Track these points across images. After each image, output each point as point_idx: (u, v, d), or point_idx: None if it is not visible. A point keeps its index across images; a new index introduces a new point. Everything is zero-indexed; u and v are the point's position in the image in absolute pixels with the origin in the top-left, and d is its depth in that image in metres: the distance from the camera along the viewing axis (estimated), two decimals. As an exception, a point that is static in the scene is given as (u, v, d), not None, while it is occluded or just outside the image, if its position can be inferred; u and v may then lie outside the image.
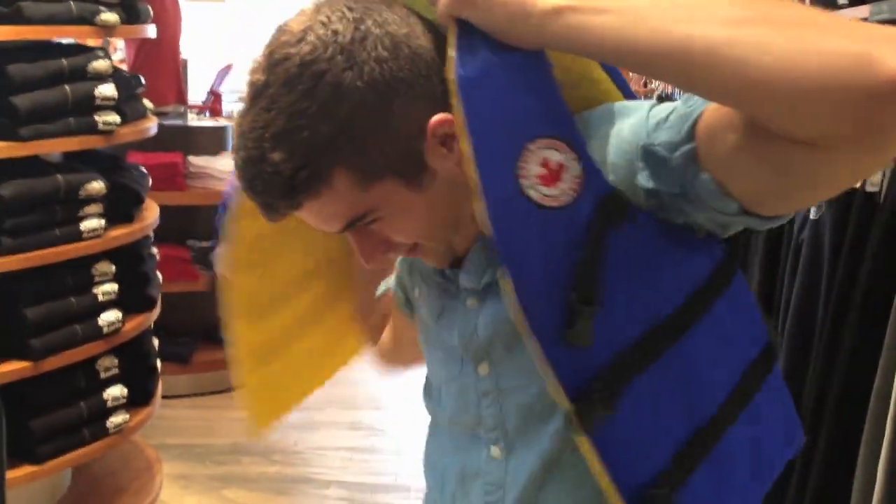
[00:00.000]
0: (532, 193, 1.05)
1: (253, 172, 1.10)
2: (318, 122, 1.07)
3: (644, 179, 1.08)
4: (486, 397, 1.27)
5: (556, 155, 1.06)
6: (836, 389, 2.38)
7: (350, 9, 1.11)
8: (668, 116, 1.06)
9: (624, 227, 1.07)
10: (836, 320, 2.41)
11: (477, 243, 1.22)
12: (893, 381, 2.16)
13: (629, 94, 1.25)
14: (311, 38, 1.08)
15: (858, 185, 2.39)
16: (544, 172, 1.05)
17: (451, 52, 1.07)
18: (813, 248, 2.58)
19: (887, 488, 2.16)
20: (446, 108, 1.10)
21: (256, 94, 1.10)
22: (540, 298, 1.06)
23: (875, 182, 2.36)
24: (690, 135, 1.03)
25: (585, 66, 1.22)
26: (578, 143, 1.07)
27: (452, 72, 1.07)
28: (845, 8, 2.63)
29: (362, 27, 1.09)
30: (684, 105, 1.05)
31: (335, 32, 1.08)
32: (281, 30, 1.12)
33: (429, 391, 1.43)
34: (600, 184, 1.07)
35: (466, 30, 1.06)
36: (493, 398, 1.26)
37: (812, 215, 2.57)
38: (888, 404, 2.17)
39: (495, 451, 1.28)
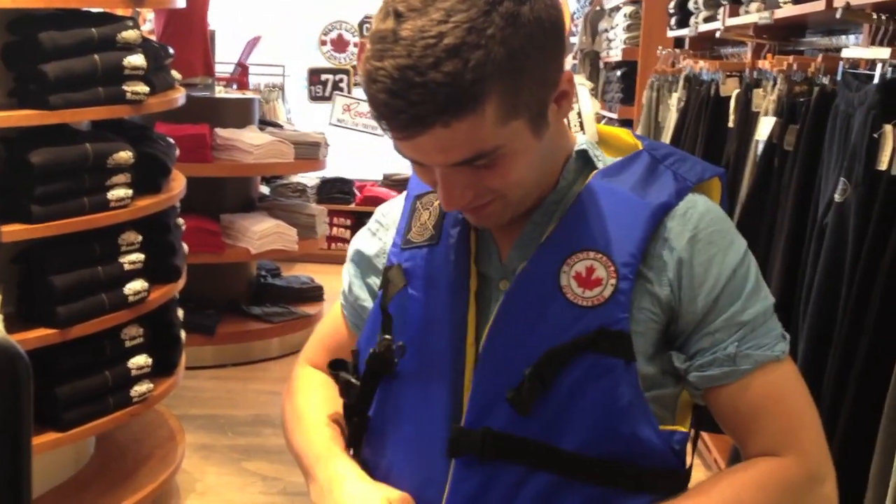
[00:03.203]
0: (562, 278, 1.22)
1: (414, 81, 1.08)
2: (493, 43, 1.09)
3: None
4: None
5: (603, 272, 1.22)
6: (857, 372, 2.38)
7: None
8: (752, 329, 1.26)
9: (605, 360, 1.20)
10: (858, 303, 2.41)
11: (533, 218, 1.29)
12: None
13: None
14: None
15: (885, 167, 2.37)
16: (584, 275, 1.22)
17: (613, 158, 1.31)
18: (837, 231, 2.57)
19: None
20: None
21: (422, 4, 1.10)
22: (505, 348, 1.23)
23: (902, 166, 2.35)
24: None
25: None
26: (627, 279, 1.21)
27: (596, 172, 1.29)
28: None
29: None
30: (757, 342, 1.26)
31: None
32: None
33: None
34: (617, 317, 1.21)
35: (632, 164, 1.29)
36: None
37: (837, 198, 2.56)
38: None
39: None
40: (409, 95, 1.09)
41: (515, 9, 1.11)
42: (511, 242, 1.30)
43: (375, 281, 1.42)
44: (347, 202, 8.11)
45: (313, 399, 1.47)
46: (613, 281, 1.21)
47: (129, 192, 3.37)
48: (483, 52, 1.08)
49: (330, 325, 1.55)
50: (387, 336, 1.31)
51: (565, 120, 1.33)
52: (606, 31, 7.56)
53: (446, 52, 1.07)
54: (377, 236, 1.44)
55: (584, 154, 1.31)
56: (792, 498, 1.25)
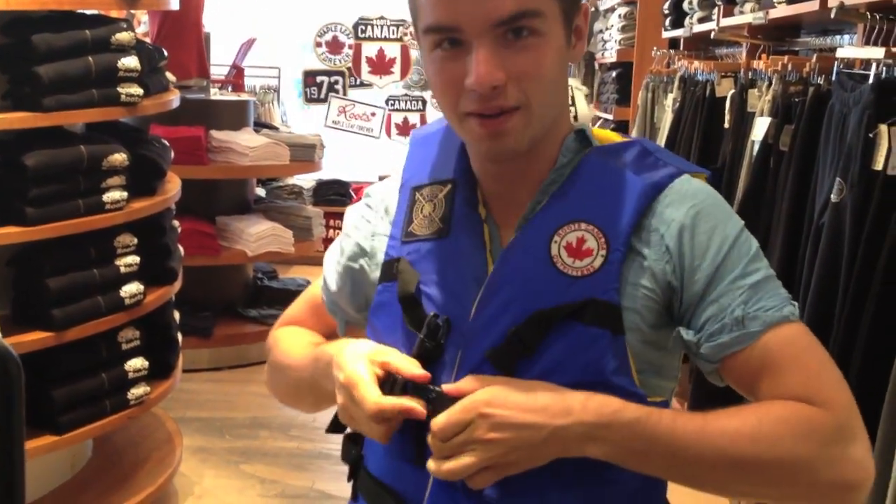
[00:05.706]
0: (553, 248, 1.23)
1: None
2: None
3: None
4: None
5: (593, 243, 1.23)
6: (854, 372, 2.38)
7: None
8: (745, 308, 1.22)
9: (591, 330, 1.20)
10: (855, 303, 2.41)
11: (536, 198, 1.29)
12: (912, 364, 2.16)
13: None
14: None
15: (880, 167, 2.37)
16: (574, 246, 1.23)
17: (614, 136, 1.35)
18: (833, 231, 2.57)
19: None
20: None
21: None
22: (491, 312, 1.24)
23: (897, 165, 2.35)
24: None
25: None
26: (618, 251, 1.22)
27: (592, 149, 1.31)
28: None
29: None
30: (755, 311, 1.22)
31: None
32: None
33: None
34: (606, 288, 1.21)
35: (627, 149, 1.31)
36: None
37: (833, 198, 2.56)
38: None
39: None
40: None
41: None
42: (514, 226, 1.29)
43: (367, 270, 1.40)
44: (344, 204, 8.10)
45: (297, 336, 1.53)
46: (604, 252, 1.22)
47: (124, 194, 3.37)
48: None
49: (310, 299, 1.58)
50: (433, 314, 1.27)
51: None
52: (601, 31, 7.56)
53: None
54: (366, 219, 1.43)
55: (582, 134, 1.32)
56: (815, 445, 1.14)
